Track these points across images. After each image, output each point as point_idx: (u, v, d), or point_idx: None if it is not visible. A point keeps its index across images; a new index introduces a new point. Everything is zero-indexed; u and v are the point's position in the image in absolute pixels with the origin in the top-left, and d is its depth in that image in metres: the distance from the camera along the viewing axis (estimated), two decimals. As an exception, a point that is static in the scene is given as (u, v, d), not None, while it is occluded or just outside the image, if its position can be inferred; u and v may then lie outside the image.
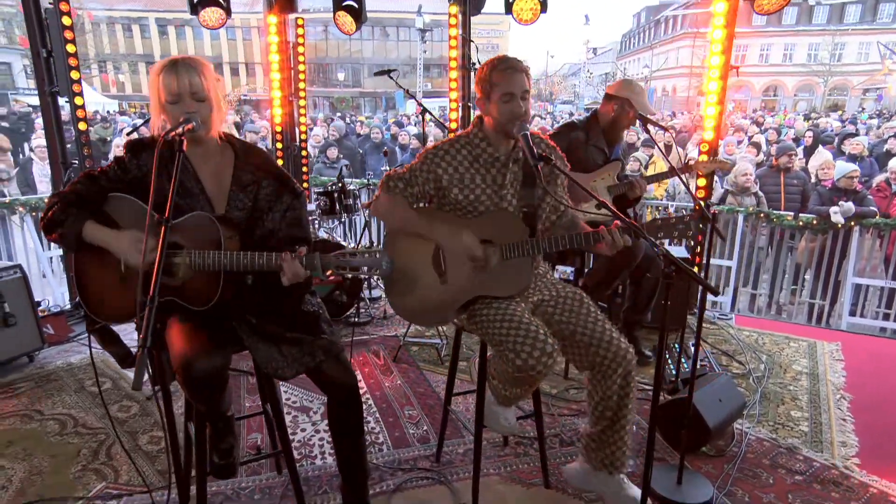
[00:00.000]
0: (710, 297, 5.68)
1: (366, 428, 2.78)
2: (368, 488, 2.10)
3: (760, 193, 5.56)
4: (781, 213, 5.32)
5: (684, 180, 2.77)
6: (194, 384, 1.60)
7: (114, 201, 1.79)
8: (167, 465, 2.07)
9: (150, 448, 2.61)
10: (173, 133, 1.60)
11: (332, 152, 7.61)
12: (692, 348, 3.44)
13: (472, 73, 4.80)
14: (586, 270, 3.37)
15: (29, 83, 27.37)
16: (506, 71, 1.97)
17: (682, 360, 3.33)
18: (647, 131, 2.95)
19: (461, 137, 2.12)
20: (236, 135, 2.15)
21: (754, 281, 5.60)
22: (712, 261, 5.52)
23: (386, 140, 10.02)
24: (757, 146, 7.94)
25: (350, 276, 1.66)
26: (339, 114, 23.02)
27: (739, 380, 3.30)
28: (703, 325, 4.12)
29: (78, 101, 3.77)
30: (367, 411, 2.93)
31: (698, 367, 3.19)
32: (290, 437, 2.70)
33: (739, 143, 9.36)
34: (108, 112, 18.55)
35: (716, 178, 6.67)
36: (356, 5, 4.54)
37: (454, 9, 4.42)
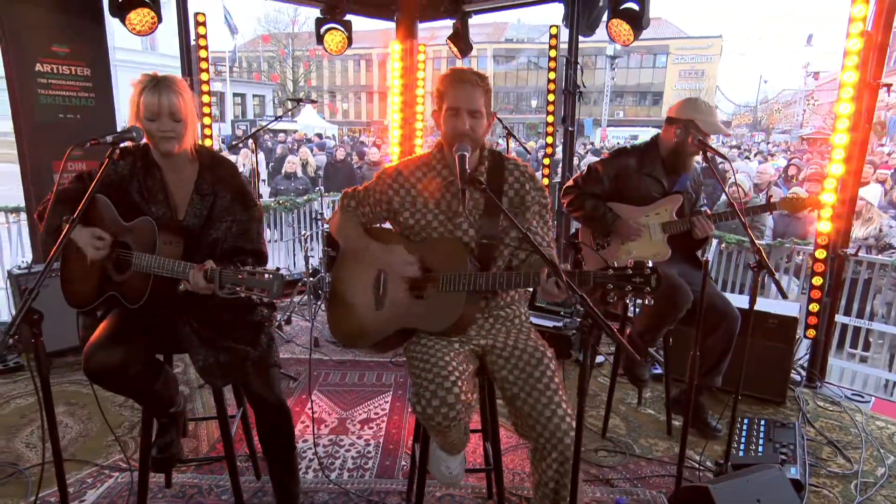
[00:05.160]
0: (868, 371, 4.51)
1: (361, 451, 2.73)
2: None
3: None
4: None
5: (745, 221, 2.26)
6: (90, 374, 1.73)
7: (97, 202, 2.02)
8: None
9: (173, 431, 2.87)
10: (113, 146, 1.74)
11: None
12: (795, 427, 2.80)
13: (578, 98, 4.53)
14: (631, 316, 2.93)
15: (277, 111, 32.99)
16: (453, 82, 1.80)
17: (761, 439, 2.72)
18: (707, 161, 2.47)
19: (421, 158, 2.00)
20: None
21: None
22: (859, 323, 4.38)
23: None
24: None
25: (244, 295, 1.65)
26: (501, 137, 23.66)
27: (836, 481, 2.57)
28: (820, 404, 3.32)
29: (206, 120, 4.38)
30: (373, 435, 2.88)
31: (771, 454, 2.59)
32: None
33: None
34: (320, 135, 21.58)
35: (879, 214, 5.33)
36: (460, 32, 4.62)
37: (554, 29, 4.22)
